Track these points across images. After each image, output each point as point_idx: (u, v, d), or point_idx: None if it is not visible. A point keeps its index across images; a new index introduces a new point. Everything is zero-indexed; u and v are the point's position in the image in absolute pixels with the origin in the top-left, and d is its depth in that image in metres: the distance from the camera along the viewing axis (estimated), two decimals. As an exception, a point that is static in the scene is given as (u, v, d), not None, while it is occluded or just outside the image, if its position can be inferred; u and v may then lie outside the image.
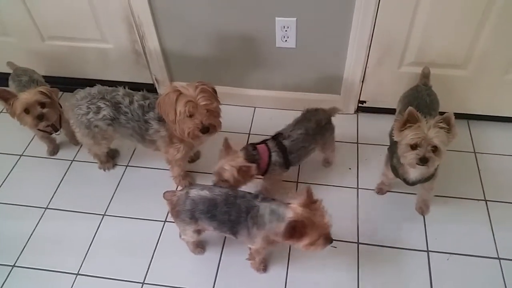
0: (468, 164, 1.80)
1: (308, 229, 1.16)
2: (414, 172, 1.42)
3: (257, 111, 2.05)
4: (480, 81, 1.77)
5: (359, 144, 1.89)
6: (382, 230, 1.60)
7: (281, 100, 2.01)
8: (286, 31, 1.72)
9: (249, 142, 1.51)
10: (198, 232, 1.42)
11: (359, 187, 1.73)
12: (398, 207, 1.66)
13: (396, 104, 1.70)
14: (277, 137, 1.52)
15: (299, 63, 1.85)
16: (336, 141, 1.87)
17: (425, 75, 1.66)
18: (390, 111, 1.74)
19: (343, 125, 1.96)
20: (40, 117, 1.64)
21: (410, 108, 1.32)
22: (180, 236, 1.52)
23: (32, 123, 1.65)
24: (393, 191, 1.70)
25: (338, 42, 1.73)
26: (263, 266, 1.50)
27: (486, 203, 1.66)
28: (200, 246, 1.55)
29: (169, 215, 1.50)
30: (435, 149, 1.29)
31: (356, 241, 1.57)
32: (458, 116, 1.87)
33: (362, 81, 1.87)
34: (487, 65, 1.71)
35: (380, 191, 1.71)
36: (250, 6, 1.67)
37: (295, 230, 1.15)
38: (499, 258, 1.50)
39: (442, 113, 1.34)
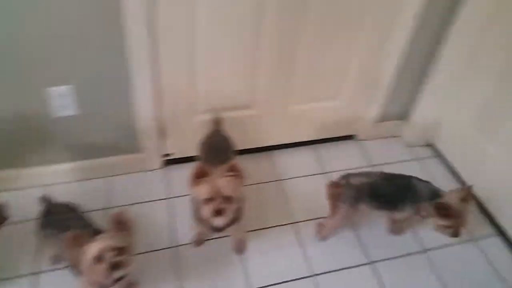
0: (277, 192, 1.91)
1: None
2: (217, 221, 1.43)
3: (51, 189, 1.69)
4: (268, 116, 1.94)
5: (169, 199, 1.84)
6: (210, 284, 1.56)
7: (77, 171, 1.82)
8: (63, 99, 1.56)
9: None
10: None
11: (178, 244, 1.67)
12: (219, 253, 1.65)
13: (199, 151, 1.71)
14: None
15: (86, 128, 1.70)
16: (142, 202, 1.82)
17: (217, 121, 1.72)
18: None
19: (151, 183, 1.90)
20: None
21: (197, 163, 1.33)
22: None
23: None
24: (211, 238, 1.68)
25: (124, 101, 1.65)
26: None
27: (296, 225, 1.77)
28: None
29: None
30: (228, 198, 1.32)
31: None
32: (260, 150, 2.06)
33: (163, 135, 1.84)
34: (269, 102, 1.88)
35: (198, 242, 1.67)
36: (14, 80, 1.47)
37: None
38: (315, 275, 1.61)
39: (246, 150, 1.37)
